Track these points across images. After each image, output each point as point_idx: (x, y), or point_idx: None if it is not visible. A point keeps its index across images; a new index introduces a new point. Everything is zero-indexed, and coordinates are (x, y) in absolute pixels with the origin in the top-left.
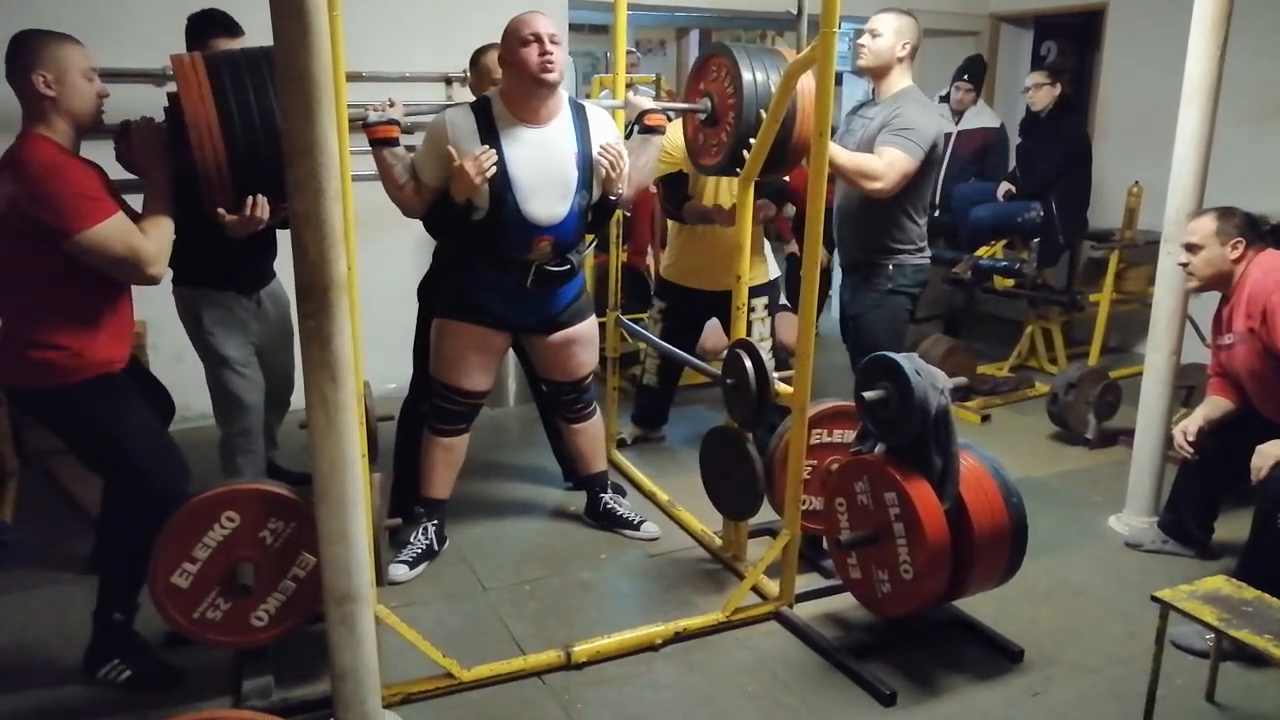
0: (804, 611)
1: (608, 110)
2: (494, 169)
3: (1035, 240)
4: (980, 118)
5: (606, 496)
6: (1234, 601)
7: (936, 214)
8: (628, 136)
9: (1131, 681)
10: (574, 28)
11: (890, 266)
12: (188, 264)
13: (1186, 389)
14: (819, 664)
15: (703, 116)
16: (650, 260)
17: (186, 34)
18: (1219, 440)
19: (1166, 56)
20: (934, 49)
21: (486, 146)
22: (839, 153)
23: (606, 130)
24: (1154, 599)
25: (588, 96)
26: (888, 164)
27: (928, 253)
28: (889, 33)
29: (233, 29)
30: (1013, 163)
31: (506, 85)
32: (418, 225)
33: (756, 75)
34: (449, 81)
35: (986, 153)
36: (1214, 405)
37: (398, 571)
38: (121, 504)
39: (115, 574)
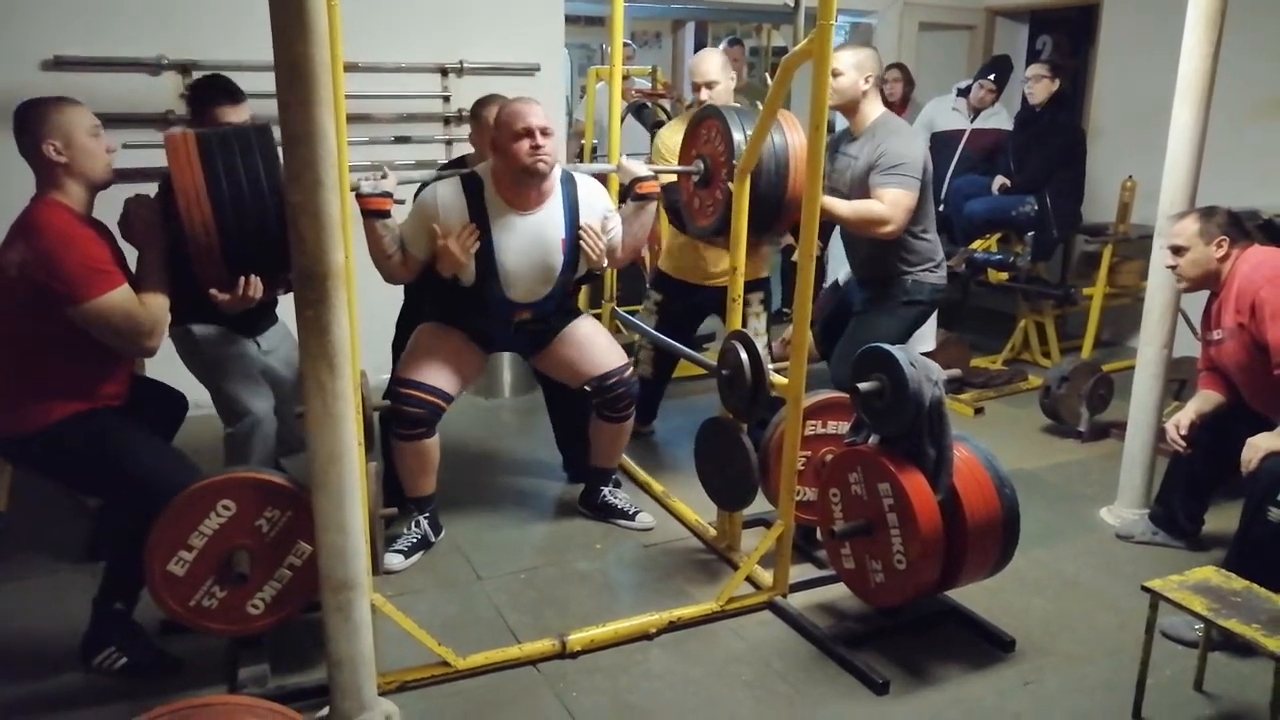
0: (798, 601)
1: (601, 174)
2: (478, 245)
3: (1029, 234)
4: (996, 119)
5: (606, 489)
6: (1223, 592)
7: (941, 208)
8: (623, 200)
9: (1121, 671)
10: (570, 20)
11: (910, 281)
12: (182, 306)
13: (1178, 382)
14: (812, 653)
15: (696, 178)
16: (646, 252)
17: (190, 100)
18: (1209, 433)
19: (1161, 52)
20: (930, 42)
21: (472, 225)
22: (840, 206)
23: (598, 205)
24: (1144, 589)
25: (583, 89)
26: (891, 205)
27: (944, 269)
28: (849, 69)
29: (235, 96)
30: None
31: (498, 168)
32: None
33: (749, 136)
34: (444, 73)
35: (997, 153)
36: (1205, 399)
37: (393, 560)
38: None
39: (121, 566)
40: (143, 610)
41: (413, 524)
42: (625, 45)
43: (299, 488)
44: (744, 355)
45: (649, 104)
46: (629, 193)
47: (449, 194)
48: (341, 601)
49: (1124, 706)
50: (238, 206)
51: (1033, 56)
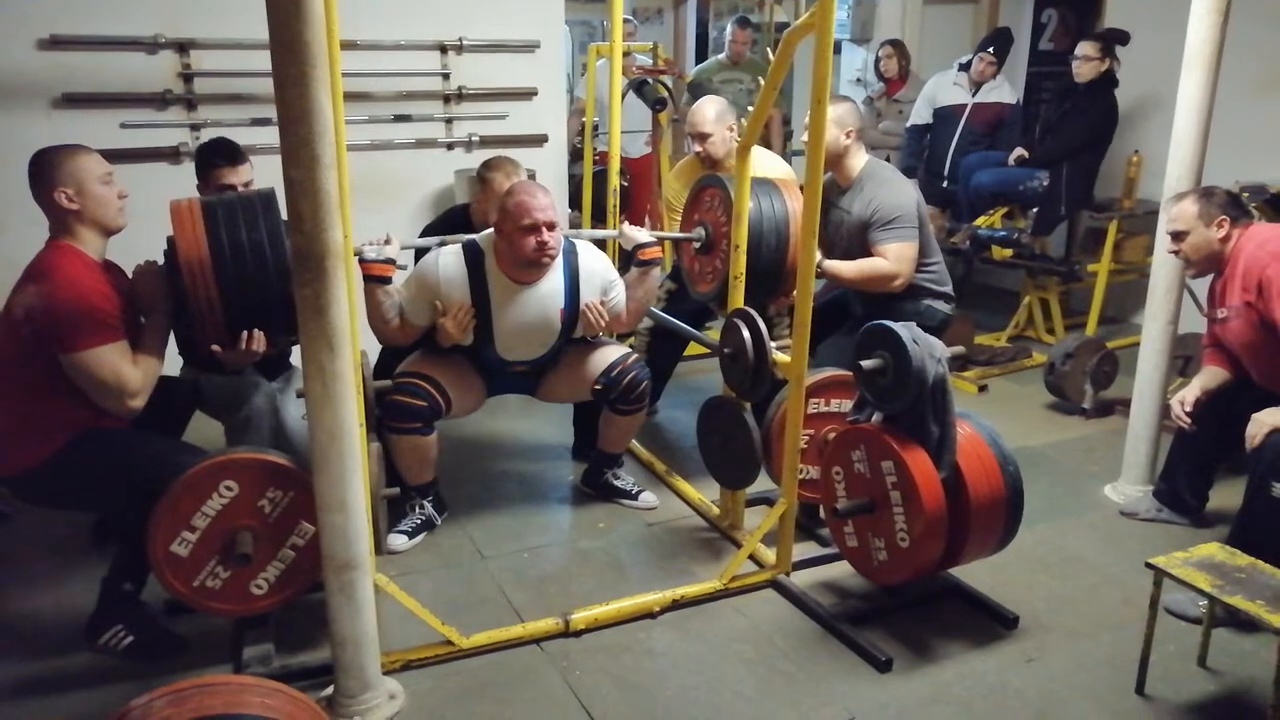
0: (801, 580)
1: (602, 239)
2: (475, 323)
3: (1033, 209)
4: (997, 92)
5: (610, 471)
6: (1227, 568)
7: (945, 184)
8: (625, 270)
9: (1125, 647)
10: None
11: (924, 305)
12: (195, 357)
13: (1183, 359)
14: (815, 631)
15: (698, 245)
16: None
17: (195, 163)
18: (1213, 409)
19: (1167, 25)
20: (934, 17)
21: (469, 306)
22: (844, 269)
23: (599, 276)
24: (1148, 566)
25: (584, 66)
26: (896, 260)
27: (952, 299)
28: (830, 125)
29: (235, 158)
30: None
31: (501, 247)
32: (415, 196)
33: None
34: (444, 50)
35: (1000, 127)
36: (1211, 375)
37: (397, 541)
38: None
39: (131, 548)
40: (148, 591)
41: (416, 505)
42: (626, 22)
43: (301, 468)
44: (746, 333)
45: (650, 81)
46: (631, 258)
47: (451, 266)
48: (344, 581)
49: (1127, 682)
50: (241, 277)
51: (1038, 31)
